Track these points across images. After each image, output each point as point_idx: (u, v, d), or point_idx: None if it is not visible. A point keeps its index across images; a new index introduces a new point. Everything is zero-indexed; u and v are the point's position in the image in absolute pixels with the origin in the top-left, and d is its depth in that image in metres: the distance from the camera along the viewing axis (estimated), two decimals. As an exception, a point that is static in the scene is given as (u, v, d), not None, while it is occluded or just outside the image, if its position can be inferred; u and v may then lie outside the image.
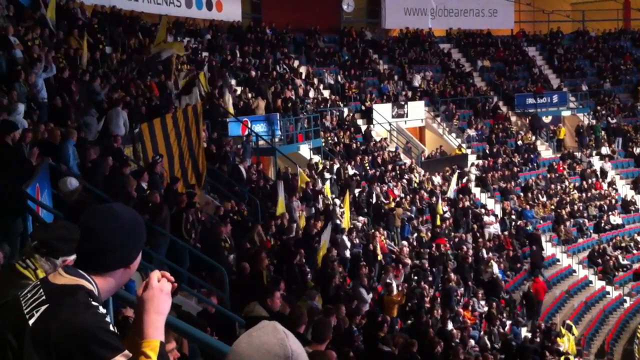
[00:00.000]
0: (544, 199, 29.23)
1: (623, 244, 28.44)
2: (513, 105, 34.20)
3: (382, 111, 29.27)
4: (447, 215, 24.49)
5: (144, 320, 2.29)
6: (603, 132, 34.05)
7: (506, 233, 25.67)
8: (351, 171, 23.69)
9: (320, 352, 6.39)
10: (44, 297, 2.27)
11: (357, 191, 22.35)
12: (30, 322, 2.22)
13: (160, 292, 2.32)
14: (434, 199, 24.46)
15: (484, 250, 23.00)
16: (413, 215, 23.04)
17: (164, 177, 13.87)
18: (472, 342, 17.18)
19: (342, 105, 28.91)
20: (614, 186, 31.74)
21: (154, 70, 19.82)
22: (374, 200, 22.09)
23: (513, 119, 34.01)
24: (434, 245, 21.41)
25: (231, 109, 21.56)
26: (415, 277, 18.96)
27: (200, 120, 15.40)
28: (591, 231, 28.86)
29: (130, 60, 19.71)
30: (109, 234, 2.31)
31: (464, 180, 27.97)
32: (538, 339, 19.19)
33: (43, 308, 2.24)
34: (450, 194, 26.26)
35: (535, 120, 33.45)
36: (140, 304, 2.32)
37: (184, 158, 14.84)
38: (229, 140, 19.04)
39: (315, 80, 29.56)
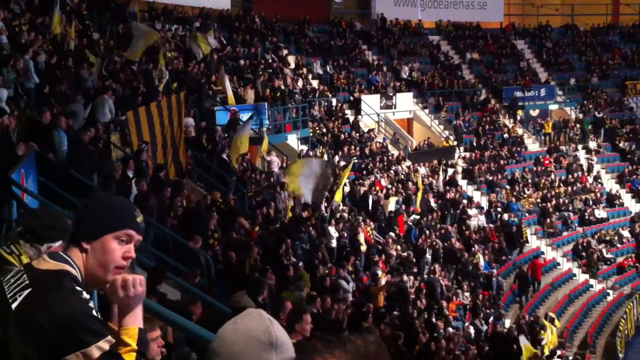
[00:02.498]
0: (530, 192, 29.39)
1: (607, 238, 28.64)
2: (501, 99, 34.29)
3: (371, 102, 29.27)
4: (434, 207, 24.58)
5: (121, 311, 2.36)
6: (590, 127, 34.24)
7: (492, 225, 25.80)
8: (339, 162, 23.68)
9: (306, 343, 6.39)
10: (27, 282, 2.28)
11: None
12: (13, 306, 2.24)
13: (127, 297, 2.35)
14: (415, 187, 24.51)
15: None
16: (399, 207, 23.08)
17: (149, 165, 13.83)
18: (452, 330, 17.22)
19: (330, 95, 28.87)
20: (599, 180, 31.95)
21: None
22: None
23: (507, 114, 34.11)
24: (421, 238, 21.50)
25: (230, 95, 21.53)
26: (401, 268, 19.01)
27: (182, 111, 15.41)
28: (576, 224, 29.05)
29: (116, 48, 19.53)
30: (83, 208, 2.50)
31: (451, 172, 28.06)
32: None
33: (26, 292, 2.25)
34: (440, 183, 26.41)
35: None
36: (115, 302, 2.38)
37: (167, 148, 14.86)
38: (217, 129, 18.99)
39: (304, 70, 29.49)
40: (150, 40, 18.45)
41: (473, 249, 22.99)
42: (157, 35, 19.18)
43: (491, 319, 19.70)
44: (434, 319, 16.32)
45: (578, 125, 34.11)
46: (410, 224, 22.38)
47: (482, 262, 22.58)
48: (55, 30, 17.12)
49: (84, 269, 2.38)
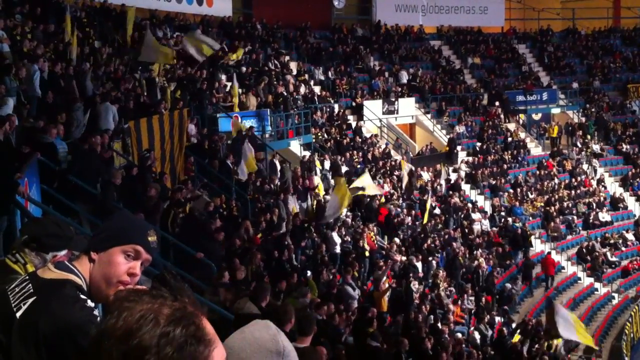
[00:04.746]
0: (534, 196, 29.34)
1: (612, 241, 28.57)
2: (503, 103, 34.27)
3: (373, 107, 29.27)
4: (437, 211, 24.52)
5: None
6: (594, 130, 34.24)
7: (495, 229, 25.75)
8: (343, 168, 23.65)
9: (311, 349, 6.38)
10: (32, 291, 2.27)
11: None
12: (18, 314, 2.23)
13: None
14: (425, 195, 24.44)
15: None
16: (402, 211, 23.02)
17: (155, 172, 13.83)
18: (460, 335, 17.18)
19: (332, 101, 28.86)
20: (602, 183, 31.89)
21: (143, 66, 19.70)
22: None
23: (502, 116, 34.06)
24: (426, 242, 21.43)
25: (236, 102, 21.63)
26: (404, 273, 18.95)
27: (184, 126, 15.44)
28: (580, 228, 29.00)
29: (123, 54, 19.56)
30: (103, 222, 2.55)
31: (454, 177, 28.02)
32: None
33: (31, 300, 2.24)
34: (442, 185, 26.34)
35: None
36: None
37: (165, 161, 14.88)
38: (221, 136, 18.99)
39: (306, 76, 29.48)
40: (163, 59, 18.66)
41: (476, 252, 22.93)
42: (171, 55, 19.17)
43: (497, 323, 19.63)
44: (439, 324, 16.28)
45: (582, 130, 34.10)
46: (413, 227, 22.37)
47: (484, 266, 22.51)
48: (68, 37, 17.23)
49: (89, 279, 2.36)
